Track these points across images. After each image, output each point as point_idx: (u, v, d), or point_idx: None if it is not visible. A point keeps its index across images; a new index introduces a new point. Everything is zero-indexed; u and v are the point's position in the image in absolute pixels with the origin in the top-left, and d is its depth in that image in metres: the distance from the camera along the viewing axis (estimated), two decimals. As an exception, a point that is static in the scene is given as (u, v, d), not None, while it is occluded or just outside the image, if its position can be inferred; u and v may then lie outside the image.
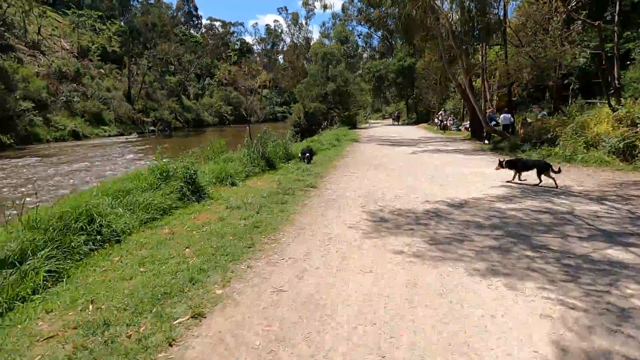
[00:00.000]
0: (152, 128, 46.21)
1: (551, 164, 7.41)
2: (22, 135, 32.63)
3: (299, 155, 11.38)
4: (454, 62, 16.98)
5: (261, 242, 4.50)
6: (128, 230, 4.96)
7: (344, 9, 46.25)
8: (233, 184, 7.93)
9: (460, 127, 24.27)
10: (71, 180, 14.18)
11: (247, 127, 11.68)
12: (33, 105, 35.81)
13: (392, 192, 7.11)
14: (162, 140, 38.32)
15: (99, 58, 50.10)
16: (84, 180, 13.94)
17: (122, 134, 42.68)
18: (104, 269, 3.82)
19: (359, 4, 43.54)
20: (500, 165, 7.90)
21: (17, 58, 41.30)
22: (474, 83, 23.47)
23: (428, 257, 3.93)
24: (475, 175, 8.59)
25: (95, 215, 4.61)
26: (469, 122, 23.79)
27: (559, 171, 7.07)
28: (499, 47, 20.01)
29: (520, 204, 6.00)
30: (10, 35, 42.75)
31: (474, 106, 13.98)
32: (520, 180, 7.73)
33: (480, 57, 20.24)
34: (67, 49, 49.52)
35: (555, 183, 7.10)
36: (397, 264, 3.78)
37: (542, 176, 7.23)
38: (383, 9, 40.60)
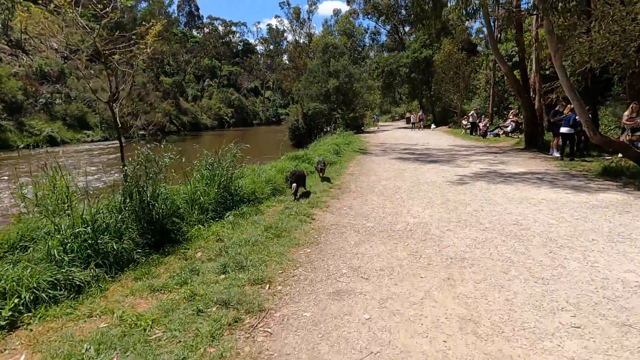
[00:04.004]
0: (141, 132, 40.51)
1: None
2: (-16, 142, 27.41)
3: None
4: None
5: None
6: None
7: (348, 0, 39.87)
8: None
9: (497, 132, 17.81)
10: None
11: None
12: (2, 107, 30.66)
13: None
14: (149, 146, 32.65)
15: (88, 58, 44.62)
16: None
17: (106, 139, 37.19)
18: None
19: (365, -7, 37.19)
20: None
21: (-6, 57, 36.27)
22: (495, 73, 16.13)
23: None
24: None
25: None
26: (510, 124, 17.37)
27: None
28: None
29: None
30: (-13, 32, 37.55)
31: (575, 102, 7.53)
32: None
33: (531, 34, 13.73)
34: (55, 49, 44.17)
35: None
36: None
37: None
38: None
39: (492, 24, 13.80)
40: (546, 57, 14.56)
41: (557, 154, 10.74)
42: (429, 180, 7.71)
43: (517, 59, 14.13)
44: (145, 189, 4.12)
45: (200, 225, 4.57)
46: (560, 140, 10.49)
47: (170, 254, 3.85)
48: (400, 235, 4.34)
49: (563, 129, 9.80)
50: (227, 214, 5.07)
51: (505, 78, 20.41)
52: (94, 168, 19.50)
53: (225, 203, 5.34)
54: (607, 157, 9.80)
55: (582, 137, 9.87)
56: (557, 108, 11.11)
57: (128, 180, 4.01)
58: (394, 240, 4.18)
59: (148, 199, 4.10)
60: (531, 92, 13.21)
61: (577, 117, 9.04)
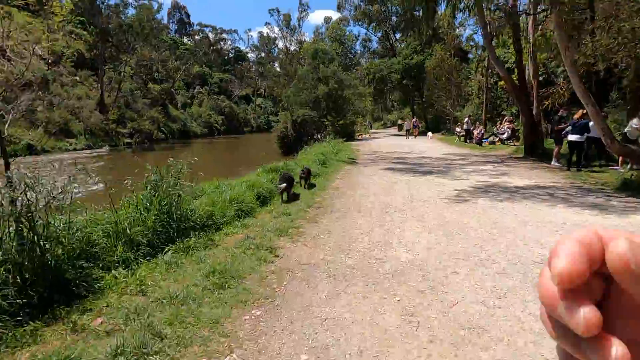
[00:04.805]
0: (127, 140, 38.98)
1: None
2: (-44, 152, 25.69)
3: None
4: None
5: None
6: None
7: (339, 6, 39.23)
8: None
9: (493, 140, 16.89)
10: None
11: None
12: (-22, 115, 29.06)
13: None
14: (136, 154, 31.16)
15: (73, 64, 43.11)
16: None
17: (90, 147, 35.70)
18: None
19: (355, 0, 36.58)
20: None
21: (-27, 63, 34.73)
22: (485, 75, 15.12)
23: None
24: None
25: None
26: (506, 131, 16.48)
27: None
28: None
29: None
30: (-33, 38, 35.97)
31: (590, 107, 6.56)
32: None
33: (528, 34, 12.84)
34: (39, 55, 42.62)
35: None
36: None
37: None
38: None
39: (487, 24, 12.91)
40: (542, 61, 13.71)
41: (557, 164, 9.79)
42: (424, 197, 6.61)
43: (512, 64, 13.27)
44: (33, 222, 2.92)
45: (121, 269, 3.36)
46: (567, 148, 9.52)
47: (58, 320, 2.64)
48: (390, 280, 3.19)
49: (572, 137, 8.80)
50: (167, 249, 3.88)
51: (500, 83, 19.61)
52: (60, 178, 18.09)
53: (167, 233, 4.14)
54: (614, 167, 8.87)
55: (593, 145, 8.90)
56: (560, 113, 10.19)
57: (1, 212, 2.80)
58: (380, 290, 3.02)
59: (36, 237, 2.90)
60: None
61: (590, 123, 8.06)
